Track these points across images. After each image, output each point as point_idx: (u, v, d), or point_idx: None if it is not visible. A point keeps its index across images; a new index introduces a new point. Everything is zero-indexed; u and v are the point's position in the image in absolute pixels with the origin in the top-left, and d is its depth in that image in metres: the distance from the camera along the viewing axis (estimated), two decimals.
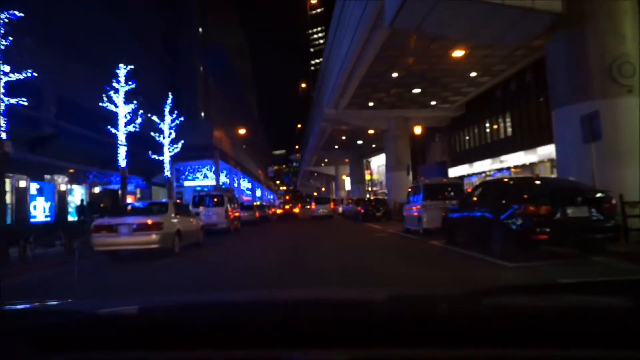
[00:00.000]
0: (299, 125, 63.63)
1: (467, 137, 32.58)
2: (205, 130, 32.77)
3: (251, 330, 0.97)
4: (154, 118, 22.53)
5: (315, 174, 79.37)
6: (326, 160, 61.43)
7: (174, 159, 32.93)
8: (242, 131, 39.29)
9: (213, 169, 34.99)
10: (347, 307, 1.19)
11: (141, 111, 17.78)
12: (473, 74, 22.94)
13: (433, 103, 29.31)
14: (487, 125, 29.43)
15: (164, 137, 23.34)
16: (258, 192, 76.47)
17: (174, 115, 23.73)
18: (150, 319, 1.10)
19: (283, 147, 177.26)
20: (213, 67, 44.64)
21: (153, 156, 22.93)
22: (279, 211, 34.08)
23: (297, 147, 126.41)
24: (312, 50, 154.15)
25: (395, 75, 22.64)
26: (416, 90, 25.95)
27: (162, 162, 33.19)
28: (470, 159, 31.13)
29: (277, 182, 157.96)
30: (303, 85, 52.34)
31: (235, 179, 43.99)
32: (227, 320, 1.04)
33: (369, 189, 53.63)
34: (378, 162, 58.63)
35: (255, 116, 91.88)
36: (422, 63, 20.87)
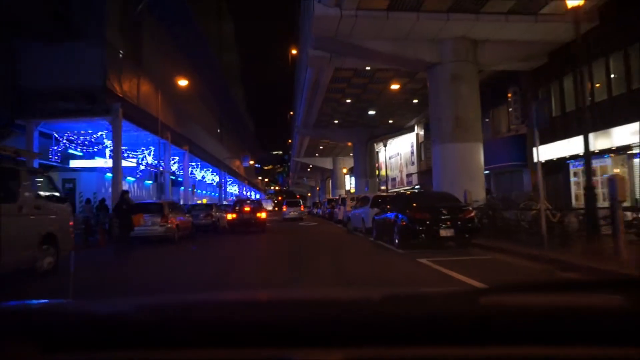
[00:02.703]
0: (292, 113, 49.65)
1: (583, 86, 17.37)
2: (93, 62, 17.44)
3: (248, 329, 0.97)
4: None
5: (309, 168, 64.13)
6: (321, 147, 46.25)
7: (34, 113, 17.81)
8: (182, 82, 23.82)
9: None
10: (343, 306, 1.19)
11: None
12: None
13: None
14: None
15: None
16: (234, 189, 61.13)
17: None
18: (150, 318, 1.09)
19: (279, 148, 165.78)
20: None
21: None
22: (229, 217, 18.67)
23: (289, 141, 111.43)
24: None
25: None
26: None
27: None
28: (593, 126, 15.98)
29: (266, 179, 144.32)
30: (294, 51, 38.31)
31: (176, 162, 28.65)
32: (224, 320, 1.04)
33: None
34: (390, 151, 43.47)
35: (237, 102, 76.73)
36: None
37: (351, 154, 50.27)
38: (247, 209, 18.94)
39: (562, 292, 1.16)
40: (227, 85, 60.84)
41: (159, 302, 1.40)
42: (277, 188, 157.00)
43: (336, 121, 32.12)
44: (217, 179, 44.33)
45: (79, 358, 0.93)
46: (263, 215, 18.68)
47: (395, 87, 22.86)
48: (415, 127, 35.12)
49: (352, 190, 52.65)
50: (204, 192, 50.39)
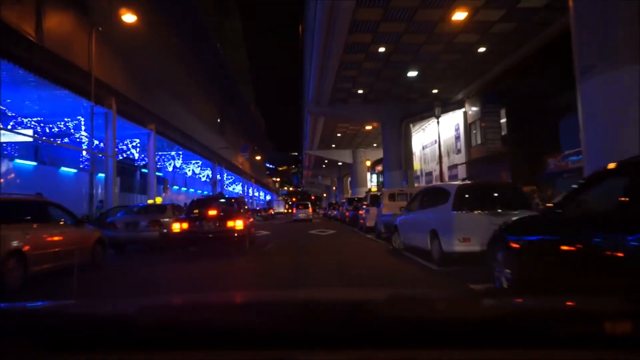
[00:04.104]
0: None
1: None
2: None
3: (252, 330, 0.95)
4: None
5: (324, 164, 55.56)
6: (339, 135, 37.64)
7: None
8: (129, 18, 15.39)
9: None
10: (347, 307, 1.18)
11: None
12: None
13: None
14: None
15: None
16: (238, 188, 52.95)
17: None
18: (151, 319, 1.07)
19: (294, 149, 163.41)
20: None
21: None
22: (175, 228, 10.09)
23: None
24: None
25: None
26: None
27: None
28: None
29: (278, 179, 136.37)
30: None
31: (133, 145, 20.35)
32: (228, 321, 1.02)
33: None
34: (425, 139, 34.72)
35: (245, 96, 69.12)
36: None
37: (375, 144, 41.58)
38: (211, 213, 10.46)
39: (564, 296, 1.17)
40: (228, 70, 52.87)
41: (160, 304, 1.37)
42: (291, 189, 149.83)
43: (360, 91, 23.46)
44: (207, 173, 36.12)
45: (79, 358, 0.92)
46: (239, 224, 10.13)
47: (459, 16, 14.22)
48: (466, 105, 26.31)
49: (374, 189, 44.00)
50: (199, 191, 42.25)
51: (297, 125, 57.67)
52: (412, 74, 20.34)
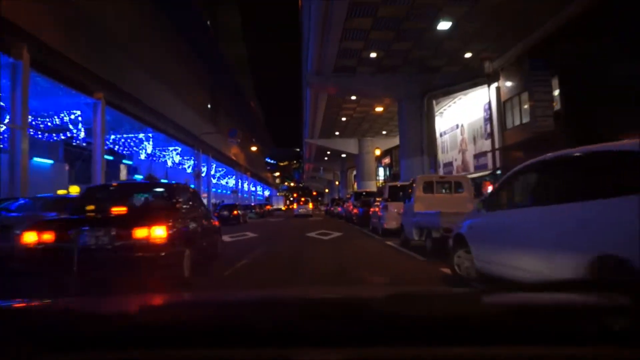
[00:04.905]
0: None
1: None
2: None
3: (252, 329, 0.95)
4: None
5: (326, 157, 50.53)
6: (343, 119, 32.57)
7: None
8: None
9: None
10: (348, 306, 1.17)
11: None
12: None
13: None
14: None
15: None
16: (230, 182, 48.03)
17: None
18: (151, 317, 1.06)
19: (296, 145, 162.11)
20: None
21: None
22: (30, 238, 5.10)
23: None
24: None
25: None
26: None
27: None
28: None
29: (278, 173, 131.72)
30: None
31: (72, 119, 15.31)
32: (225, 319, 1.02)
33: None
34: (443, 124, 29.64)
35: (242, 86, 64.45)
36: None
37: (384, 132, 36.53)
38: (114, 212, 5.53)
39: (565, 292, 1.14)
40: (221, 55, 48.01)
41: (160, 302, 1.36)
42: (292, 184, 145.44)
43: (373, 55, 18.34)
44: (191, 163, 31.14)
45: (79, 358, 0.91)
46: (159, 233, 5.13)
47: None
48: (500, 78, 21.21)
49: (381, 183, 39.28)
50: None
51: (298, 122, 52.98)
52: (443, 25, 15.25)
